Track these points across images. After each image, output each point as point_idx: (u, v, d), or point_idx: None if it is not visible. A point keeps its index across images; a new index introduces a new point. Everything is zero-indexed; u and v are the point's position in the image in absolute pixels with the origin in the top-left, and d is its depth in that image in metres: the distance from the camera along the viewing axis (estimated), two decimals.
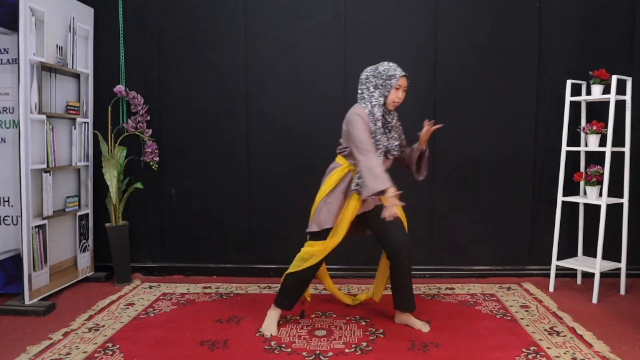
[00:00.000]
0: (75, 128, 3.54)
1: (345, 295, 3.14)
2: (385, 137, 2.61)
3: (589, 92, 3.45)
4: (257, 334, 2.70)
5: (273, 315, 2.76)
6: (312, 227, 2.69)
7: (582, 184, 3.50)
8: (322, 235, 2.65)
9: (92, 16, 3.72)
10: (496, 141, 3.68)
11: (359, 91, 2.65)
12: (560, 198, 3.46)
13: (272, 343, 2.59)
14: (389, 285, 2.83)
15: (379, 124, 2.57)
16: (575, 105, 3.54)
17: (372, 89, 2.58)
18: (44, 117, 3.18)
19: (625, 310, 3.06)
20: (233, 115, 3.75)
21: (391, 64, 2.59)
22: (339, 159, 2.71)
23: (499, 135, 3.67)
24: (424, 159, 2.76)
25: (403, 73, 2.56)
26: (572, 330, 2.73)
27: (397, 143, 2.67)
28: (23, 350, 2.52)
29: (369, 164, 2.44)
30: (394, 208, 2.42)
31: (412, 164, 2.77)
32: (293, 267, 2.71)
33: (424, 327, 2.74)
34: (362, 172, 2.47)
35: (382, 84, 2.56)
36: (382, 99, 2.57)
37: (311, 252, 2.65)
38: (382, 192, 2.41)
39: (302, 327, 2.80)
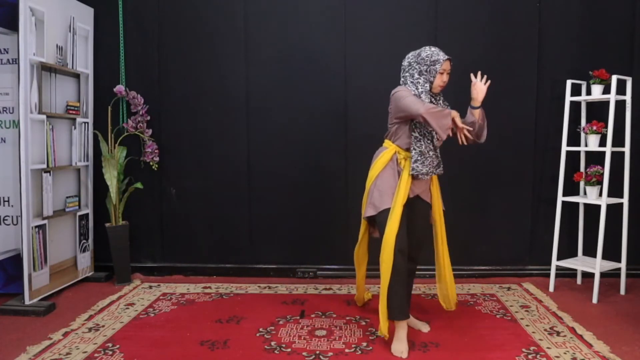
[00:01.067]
0: (75, 128, 3.53)
1: (364, 295, 3.11)
2: None
3: (589, 92, 3.45)
4: (257, 334, 2.71)
5: (399, 333, 2.52)
6: (369, 212, 2.62)
7: (582, 184, 3.50)
8: (380, 218, 2.56)
9: (92, 16, 3.72)
10: (496, 141, 3.66)
11: (402, 78, 2.61)
12: (560, 198, 3.46)
13: (272, 343, 2.59)
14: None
15: None
16: (575, 105, 3.54)
17: (416, 76, 2.54)
18: (44, 117, 3.18)
19: (625, 310, 3.06)
20: (233, 116, 3.75)
21: (433, 48, 2.55)
22: (386, 143, 2.67)
23: (499, 135, 3.66)
24: (479, 121, 2.58)
25: (446, 57, 2.52)
26: (572, 330, 2.73)
27: None
28: (23, 350, 2.52)
29: (429, 110, 2.38)
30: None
31: (471, 133, 2.58)
32: (386, 273, 2.48)
33: (424, 327, 2.74)
34: (429, 120, 2.39)
35: (427, 69, 2.51)
36: (427, 85, 2.53)
37: (384, 250, 2.49)
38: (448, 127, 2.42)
39: (302, 327, 2.80)
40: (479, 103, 2.54)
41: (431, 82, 2.53)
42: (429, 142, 2.56)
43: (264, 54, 3.71)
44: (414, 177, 2.56)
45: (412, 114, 2.45)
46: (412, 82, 2.55)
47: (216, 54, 3.73)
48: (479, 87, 2.53)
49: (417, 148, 2.53)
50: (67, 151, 3.51)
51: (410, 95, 2.49)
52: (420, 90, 2.53)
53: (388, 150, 2.63)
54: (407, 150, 2.58)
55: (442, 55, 2.52)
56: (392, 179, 2.58)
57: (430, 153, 2.57)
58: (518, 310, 3.02)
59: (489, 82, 2.54)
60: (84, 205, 3.68)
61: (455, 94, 3.64)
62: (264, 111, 3.74)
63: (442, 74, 2.53)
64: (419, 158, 2.53)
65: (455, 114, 2.44)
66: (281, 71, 3.72)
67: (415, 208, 2.64)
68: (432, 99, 2.58)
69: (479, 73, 2.56)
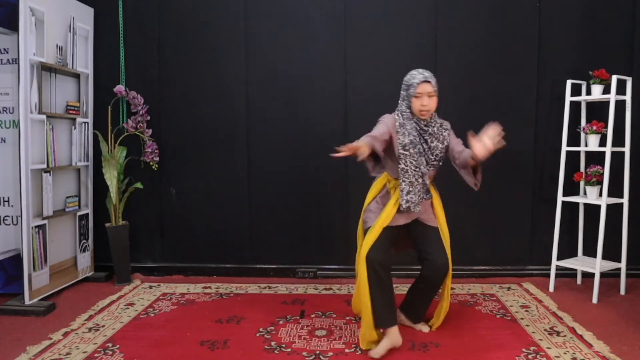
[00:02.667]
0: (75, 128, 3.54)
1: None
2: (421, 148, 2.49)
3: (589, 92, 3.45)
4: (257, 334, 2.71)
5: (384, 340, 2.46)
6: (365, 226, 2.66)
7: (582, 184, 3.50)
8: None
9: (92, 16, 3.72)
10: None
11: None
12: (560, 198, 3.46)
13: (272, 343, 2.59)
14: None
15: (411, 137, 2.45)
16: (575, 105, 3.54)
17: (400, 102, 2.52)
18: (44, 117, 3.18)
19: (625, 310, 3.06)
20: (233, 116, 3.75)
21: (414, 71, 2.47)
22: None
23: (498, 135, 3.66)
24: (475, 169, 2.54)
25: (422, 79, 2.41)
26: (572, 330, 2.73)
27: (437, 152, 2.52)
28: (23, 350, 2.52)
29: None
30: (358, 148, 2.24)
31: (464, 171, 2.57)
32: (364, 286, 2.44)
33: (424, 328, 2.74)
34: None
35: (405, 95, 2.48)
36: (408, 110, 2.49)
37: (358, 264, 2.52)
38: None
39: (302, 327, 2.80)
40: (472, 162, 2.43)
41: (409, 107, 2.48)
42: (416, 170, 2.48)
43: (264, 54, 3.71)
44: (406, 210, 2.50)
45: None
46: (399, 109, 2.53)
47: (216, 54, 3.73)
48: (482, 145, 2.28)
49: (406, 179, 2.47)
50: (67, 151, 3.51)
51: (378, 124, 2.48)
52: (404, 116, 2.49)
53: (381, 177, 2.63)
54: (396, 179, 2.54)
55: (417, 79, 2.41)
56: (381, 208, 2.56)
57: (420, 180, 2.50)
58: (518, 310, 3.02)
59: (499, 138, 2.29)
60: (84, 205, 3.68)
61: (454, 91, 3.66)
62: (263, 111, 3.74)
63: (418, 97, 2.42)
64: (410, 189, 2.48)
65: (360, 143, 2.25)
66: (281, 71, 3.71)
67: (418, 231, 2.60)
68: (420, 125, 2.49)
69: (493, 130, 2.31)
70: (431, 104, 2.45)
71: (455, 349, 2.51)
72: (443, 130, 2.56)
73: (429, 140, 2.51)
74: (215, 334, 2.72)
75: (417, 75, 2.45)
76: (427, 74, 2.46)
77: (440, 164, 2.59)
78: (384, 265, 2.45)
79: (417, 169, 2.49)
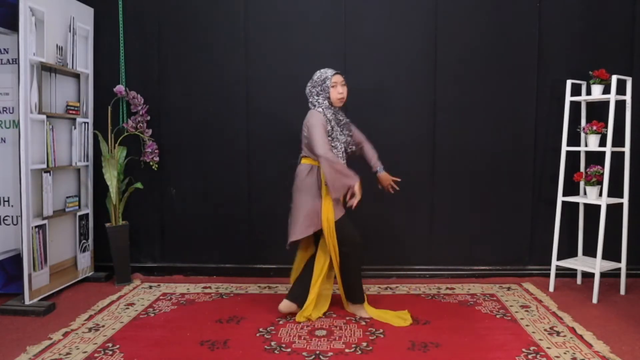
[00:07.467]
0: (75, 128, 3.54)
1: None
2: (342, 135, 2.87)
3: (589, 92, 3.45)
4: (257, 334, 2.71)
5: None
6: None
7: (582, 184, 3.50)
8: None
9: (92, 16, 3.72)
10: (496, 141, 3.68)
11: (310, 105, 2.91)
12: (560, 198, 3.46)
13: (272, 343, 2.59)
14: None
15: (333, 123, 2.82)
16: (575, 105, 3.54)
17: (316, 97, 2.86)
18: (44, 117, 3.18)
19: (625, 310, 3.06)
20: (233, 115, 3.75)
21: (322, 69, 2.88)
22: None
23: (499, 135, 3.67)
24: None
25: (334, 71, 2.84)
26: (572, 330, 2.73)
27: (349, 139, 2.93)
28: (23, 350, 2.52)
29: (330, 159, 2.69)
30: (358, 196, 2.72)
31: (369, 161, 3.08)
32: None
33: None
34: (325, 170, 2.70)
35: (321, 88, 2.84)
36: (326, 101, 2.84)
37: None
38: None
39: (302, 327, 2.80)
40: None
41: (328, 98, 2.84)
42: (339, 156, 2.83)
43: (264, 54, 3.71)
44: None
45: (313, 148, 2.74)
46: (317, 103, 2.86)
47: (216, 54, 3.73)
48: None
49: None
50: (67, 151, 3.51)
51: (320, 126, 2.75)
52: (323, 107, 2.83)
53: (308, 161, 2.88)
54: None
55: (329, 72, 2.84)
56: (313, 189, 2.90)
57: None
58: (518, 310, 3.02)
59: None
60: (84, 205, 3.68)
61: (455, 91, 3.67)
62: (264, 111, 3.74)
63: (334, 87, 2.83)
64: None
65: (359, 184, 2.71)
66: (281, 71, 3.71)
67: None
68: (337, 114, 2.87)
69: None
70: (345, 91, 2.87)
71: (455, 349, 2.51)
72: (349, 121, 2.98)
73: (344, 128, 2.91)
74: (215, 334, 2.72)
75: (327, 70, 2.86)
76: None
77: (353, 149, 2.98)
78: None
79: (340, 155, 2.84)
